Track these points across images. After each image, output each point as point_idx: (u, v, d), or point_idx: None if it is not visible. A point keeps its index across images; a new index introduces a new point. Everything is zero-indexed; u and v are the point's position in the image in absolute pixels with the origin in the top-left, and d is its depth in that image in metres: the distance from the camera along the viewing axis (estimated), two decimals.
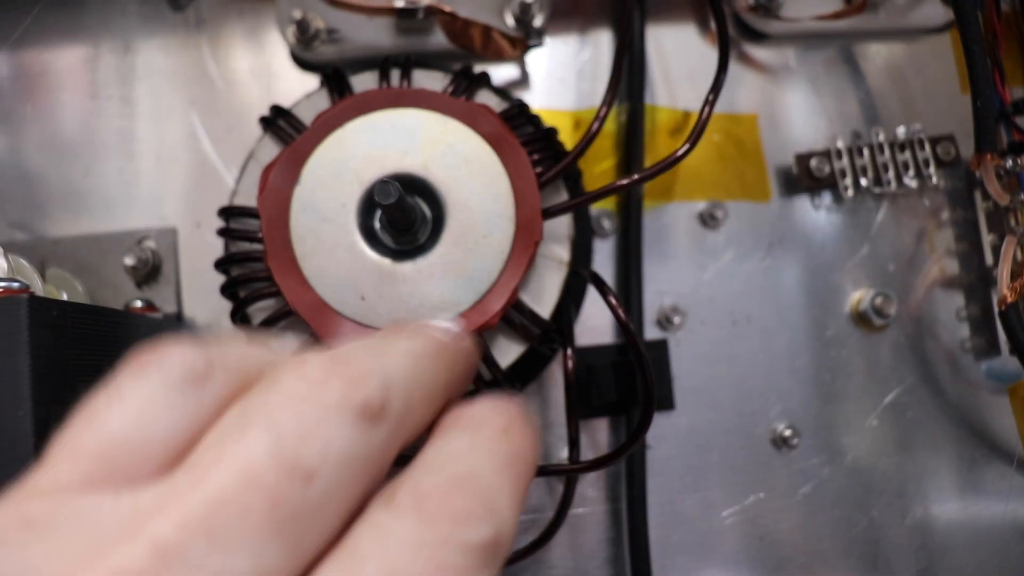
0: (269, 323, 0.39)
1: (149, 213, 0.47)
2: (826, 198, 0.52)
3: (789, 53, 0.53)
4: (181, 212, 0.47)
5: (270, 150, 0.41)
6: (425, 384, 0.23)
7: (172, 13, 0.49)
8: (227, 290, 0.40)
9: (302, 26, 0.45)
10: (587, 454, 0.47)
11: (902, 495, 0.50)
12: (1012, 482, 0.51)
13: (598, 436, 0.48)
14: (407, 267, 0.38)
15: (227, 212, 0.40)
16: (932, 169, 0.51)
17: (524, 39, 0.47)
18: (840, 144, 0.51)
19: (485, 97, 0.42)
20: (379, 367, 0.21)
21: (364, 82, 0.42)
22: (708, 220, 0.50)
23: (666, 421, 0.48)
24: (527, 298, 0.40)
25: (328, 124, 0.39)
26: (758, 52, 0.53)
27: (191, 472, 0.18)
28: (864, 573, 0.49)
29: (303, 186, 0.38)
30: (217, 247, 0.43)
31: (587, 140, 0.40)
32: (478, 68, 0.44)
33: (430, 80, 0.42)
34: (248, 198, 0.40)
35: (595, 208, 0.49)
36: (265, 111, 0.42)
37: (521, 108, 0.42)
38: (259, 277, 0.39)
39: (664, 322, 0.49)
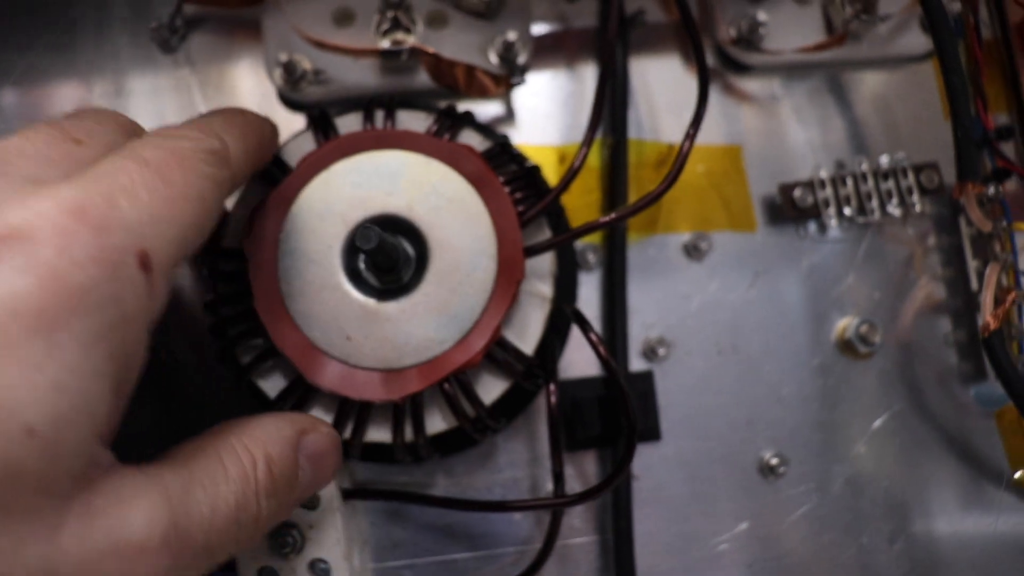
0: (256, 363, 0.39)
1: None
2: (811, 227, 0.52)
3: (773, 84, 0.54)
4: None
5: (256, 191, 0.41)
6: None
7: (162, 55, 0.50)
8: (215, 331, 0.40)
9: (289, 68, 0.46)
10: (575, 486, 0.48)
11: (891, 520, 0.50)
12: (1001, 505, 0.51)
13: (586, 467, 0.48)
14: (392, 307, 0.38)
15: (214, 254, 0.41)
16: (916, 197, 0.51)
17: (507, 77, 0.48)
18: (824, 174, 0.51)
19: (468, 136, 0.43)
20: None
21: (349, 123, 0.43)
22: (693, 251, 0.50)
23: (653, 451, 0.49)
24: (510, 335, 0.40)
25: (314, 166, 0.40)
26: (742, 83, 0.53)
27: None
28: None
29: (289, 228, 0.39)
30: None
31: (568, 178, 0.41)
32: (462, 107, 0.44)
33: (414, 119, 0.43)
34: (235, 240, 0.41)
35: (580, 242, 0.49)
36: None
37: (503, 147, 0.43)
38: (246, 318, 0.39)
39: (650, 353, 0.49)
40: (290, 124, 0.49)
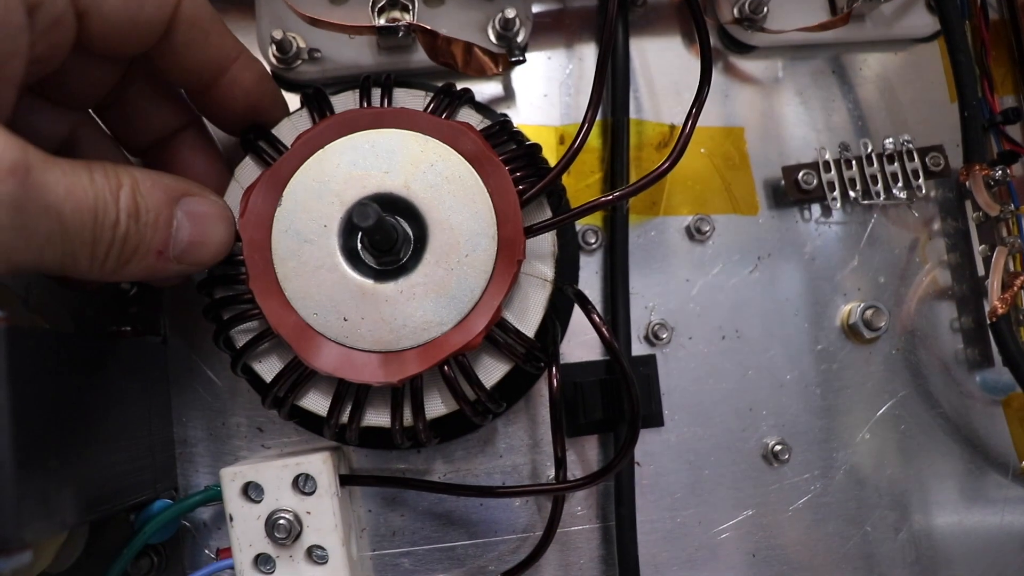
0: (251, 345, 0.39)
1: None
2: (815, 210, 0.51)
3: (776, 65, 0.53)
4: None
5: (251, 171, 0.40)
6: None
7: None
8: (210, 312, 0.40)
9: (283, 46, 0.45)
10: (576, 472, 0.47)
11: (895, 508, 0.50)
12: (1008, 493, 0.51)
13: (587, 453, 0.47)
14: (389, 287, 0.37)
15: None
16: (921, 180, 0.51)
17: (507, 55, 0.47)
18: (828, 156, 0.51)
19: (467, 115, 0.42)
20: None
21: (345, 102, 0.42)
22: (695, 234, 0.50)
23: (656, 437, 0.48)
24: (511, 316, 0.39)
25: (309, 145, 0.39)
26: (745, 64, 0.53)
27: None
28: None
29: (284, 208, 0.38)
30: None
31: (569, 157, 0.40)
32: (461, 85, 0.44)
33: (412, 98, 0.42)
34: None
35: (581, 223, 0.49)
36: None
37: (503, 125, 0.42)
38: (241, 299, 0.39)
39: (652, 337, 0.49)
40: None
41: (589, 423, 0.46)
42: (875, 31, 0.52)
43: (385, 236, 0.36)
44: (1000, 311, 0.46)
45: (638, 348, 0.49)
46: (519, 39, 0.47)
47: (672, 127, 0.51)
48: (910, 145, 0.51)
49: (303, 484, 0.39)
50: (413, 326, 0.37)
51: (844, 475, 0.49)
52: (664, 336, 0.49)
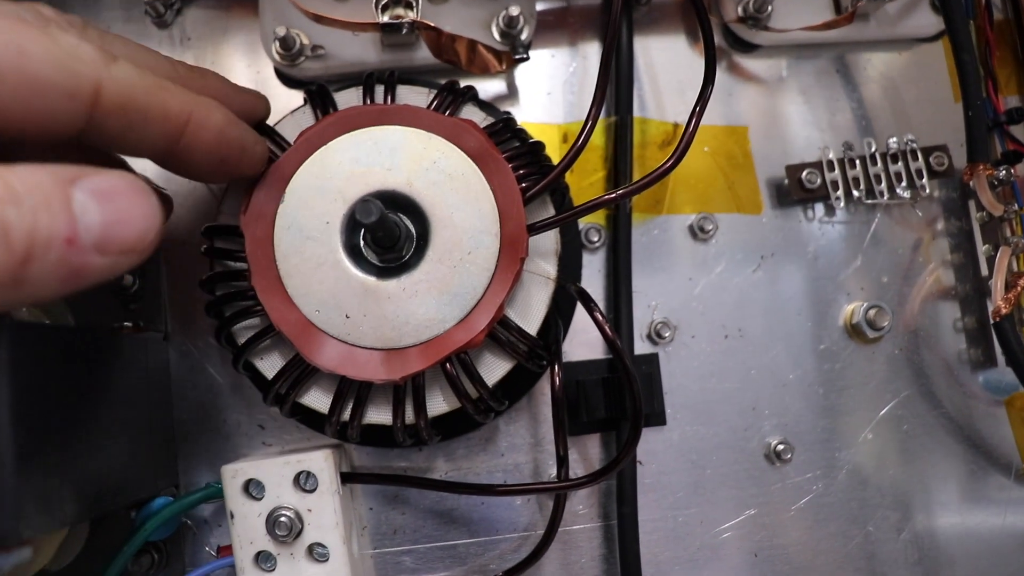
0: (254, 342, 0.38)
1: None
2: (818, 210, 0.51)
3: (780, 64, 0.53)
4: (166, 230, 0.46)
5: None
6: None
7: (157, 31, 0.49)
8: (212, 309, 0.40)
9: (286, 43, 0.45)
10: (578, 471, 0.47)
11: (898, 508, 0.49)
12: (1010, 494, 0.51)
13: (589, 452, 0.47)
14: (392, 284, 0.37)
15: (211, 231, 0.40)
16: (925, 180, 0.51)
17: (510, 53, 0.47)
18: (832, 155, 0.50)
19: (470, 112, 0.42)
20: None
21: (348, 98, 0.42)
22: (699, 232, 0.50)
23: (658, 436, 0.48)
24: (513, 314, 0.39)
25: (311, 142, 0.39)
26: (748, 63, 0.53)
27: None
28: None
29: (287, 204, 0.38)
30: (203, 266, 0.42)
31: (572, 154, 0.40)
32: (464, 82, 0.43)
33: (415, 96, 0.42)
34: (232, 217, 0.40)
35: (584, 221, 0.49)
36: None
37: (506, 122, 0.42)
38: (244, 296, 0.39)
39: (655, 336, 0.48)
40: (288, 102, 0.48)
41: (591, 422, 0.46)
42: (879, 31, 0.52)
43: (388, 233, 0.36)
44: (1003, 311, 0.46)
45: (641, 347, 0.49)
46: (523, 37, 0.47)
47: (676, 126, 0.51)
48: (914, 145, 0.51)
49: (304, 481, 0.39)
50: (415, 323, 0.37)
51: (846, 475, 0.49)
52: (667, 335, 0.48)
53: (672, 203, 0.50)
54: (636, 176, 0.49)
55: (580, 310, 0.47)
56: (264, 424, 0.46)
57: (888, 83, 0.53)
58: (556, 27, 0.51)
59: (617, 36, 0.49)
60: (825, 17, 0.51)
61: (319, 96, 0.41)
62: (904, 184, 0.51)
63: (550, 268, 0.40)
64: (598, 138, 0.50)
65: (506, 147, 0.41)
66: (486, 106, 0.44)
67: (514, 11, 0.46)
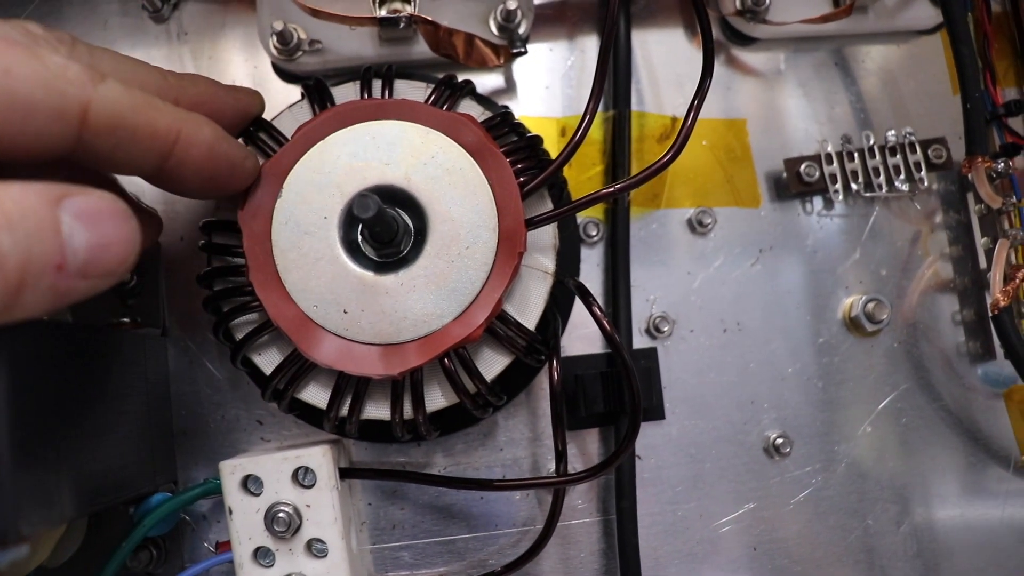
0: (251, 337, 0.38)
1: None
2: (817, 203, 0.51)
3: (778, 57, 0.53)
4: (164, 227, 0.46)
5: None
6: None
7: (154, 25, 0.49)
8: (209, 304, 0.39)
9: (283, 37, 0.45)
10: (577, 465, 0.47)
11: (897, 501, 0.49)
12: (1009, 486, 0.51)
13: (588, 447, 0.47)
14: (389, 279, 0.37)
15: (209, 226, 0.40)
16: (923, 172, 0.51)
17: (508, 47, 0.47)
18: (830, 148, 0.50)
19: (468, 106, 0.42)
20: None
21: (346, 93, 0.42)
22: (697, 226, 0.50)
23: (657, 431, 0.48)
24: (512, 309, 0.39)
25: (309, 136, 0.39)
26: (747, 56, 0.52)
27: None
28: None
29: (284, 199, 0.38)
30: (201, 262, 0.42)
31: (570, 149, 0.39)
32: (462, 77, 0.43)
33: (413, 90, 0.42)
34: (230, 212, 0.39)
35: (582, 215, 0.49)
36: None
37: (504, 117, 0.42)
38: (242, 291, 0.38)
39: (653, 330, 0.48)
40: (286, 97, 0.48)
41: (590, 416, 0.46)
42: (877, 23, 0.52)
43: (385, 228, 0.36)
44: (1002, 304, 0.46)
45: (639, 341, 0.48)
46: (521, 31, 0.47)
47: (674, 119, 0.51)
48: (912, 137, 0.51)
49: (303, 477, 0.39)
50: (413, 318, 0.37)
51: (845, 468, 0.49)
52: (665, 329, 0.48)
53: (670, 197, 0.50)
54: (634, 170, 0.49)
55: (578, 304, 0.47)
56: (262, 420, 0.46)
57: (886, 76, 0.53)
58: (554, 21, 0.51)
59: (615, 30, 0.49)
60: (823, 10, 0.51)
61: (316, 91, 0.41)
62: (902, 177, 0.51)
63: (548, 263, 0.40)
64: (596, 132, 0.50)
65: (504, 141, 0.41)
66: (484, 100, 0.44)
67: (512, 5, 0.46)
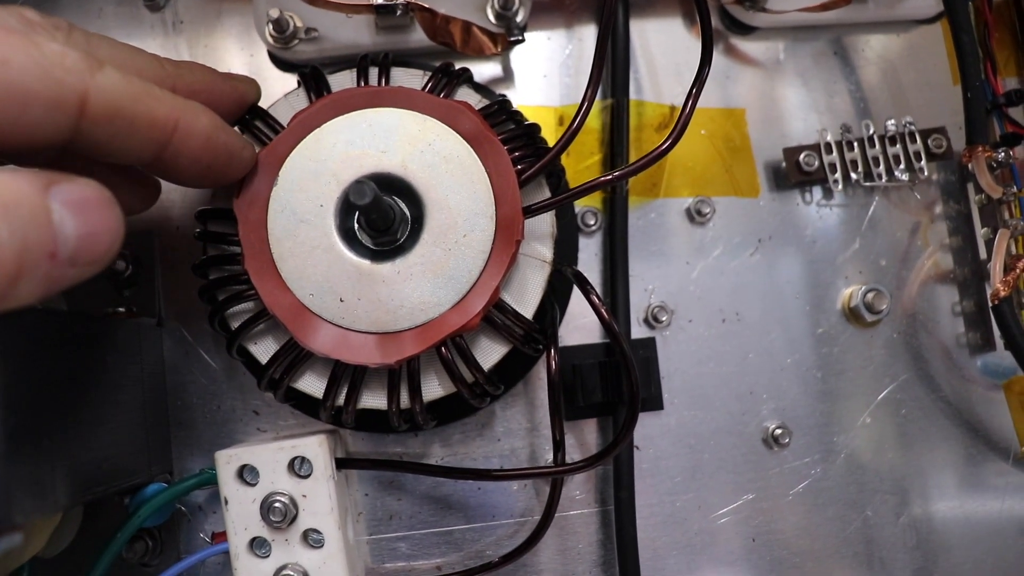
0: (247, 326, 0.38)
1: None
2: (816, 193, 0.51)
3: (777, 46, 0.53)
4: (159, 215, 0.46)
5: None
6: None
7: (150, 14, 0.48)
8: (205, 293, 0.39)
9: (280, 25, 0.45)
10: (575, 456, 0.47)
11: (896, 493, 0.49)
12: (1009, 479, 0.50)
13: (586, 437, 0.47)
14: (386, 268, 0.37)
15: (205, 214, 0.40)
16: (923, 162, 0.50)
17: (506, 35, 0.46)
18: (829, 137, 0.50)
19: (465, 94, 0.42)
20: None
21: (342, 81, 0.41)
22: (696, 216, 0.49)
23: (655, 421, 0.48)
24: (509, 298, 0.39)
25: (305, 124, 0.38)
26: (746, 45, 0.52)
27: None
28: (859, 572, 0.48)
29: (280, 187, 0.38)
30: (197, 252, 0.42)
31: (568, 136, 0.39)
32: (459, 64, 0.43)
33: (410, 78, 0.42)
34: (226, 200, 0.39)
35: (580, 205, 0.48)
36: None
37: (502, 104, 0.41)
38: (237, 280, 0.38)
39: (651, 320, 0.48)
40: (282, 86, 0.48)
41: (588, 406, 0.46)
42: (877, 12, 0.52)
43: (382, 215, 0.36)
44: (1002, 294, 0.46)
45: (637, 331, 0.48)
46: (518, 19, 0.47)
47: (672, 108, 0.51)
48: (912, 127, 0.51)
49: (299, 467, 0.39)
50: (410, 307, 0.37)
51: (845, 459, 0.49)
52: (664, 319, 0.48)
53: (669, 186, 0.50)
54: (633, 159, 0.49)
55: (576, 295, 0.47)
56: (259, 410, 0.46)
57: (886, 65, 0.53)
58: (552, 9, 0.51)
59: (613, 18, 0.49)
60: None
61: (313, 78, 0.41)
62: (902, 167, 0.50)
63: (546, 251, 0.40)
64: (594, 121, 0.50)
65: (501, 129, 0.40)
66: (481, 88, 0.44)
67: None
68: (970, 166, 0.49)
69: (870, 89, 0.53)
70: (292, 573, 0.38)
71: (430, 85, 0.41)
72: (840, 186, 0.50)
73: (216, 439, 0.45)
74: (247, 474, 0.38)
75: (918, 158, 0.50)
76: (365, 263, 0.37)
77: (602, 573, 0.46)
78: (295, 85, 0.42)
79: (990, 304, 0.47)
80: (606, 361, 0.45)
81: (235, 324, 0.39)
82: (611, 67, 0.49)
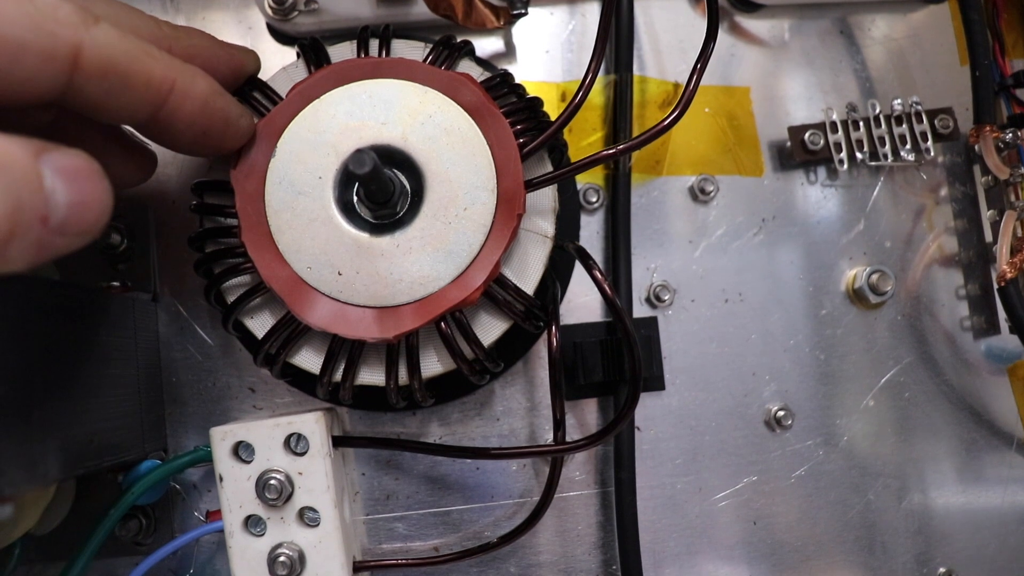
0: (243, 300, 0.37)
1: None
2: (821, 173, 0.50)
3: (783, 25, 0.52)
4: (155, 188, 0.45)
5: None
6: None
7: None
8: (201, 267, 0.39)
9: None
10: (575, 436, 0.46)
11: (899, 477, 0.49)
12: (1012, 464, 0.50)
13: (587, 417, 0.47)
14: (385, 241, 0.36)
15: (201, 187, 0.39)
16: (930, 143, 0.50)
17: (508, 8, 0.45)
18: (835, 117, 0.49)
19: (467, 67, 0.41)
20: None
21: (342, 52, 0.41)
22: (699, 194, 0.49)
23: (657, 402, 0.47)
24: (510, 273, 0.38)
25: (304, 95, 0.38)
26: (751, 23, 0.52)
27: None
28: (860, 557, 0.48)
29: (278, 159, 0.37)
30: (193, 226, 0.41)
31: (571, 110, 0.39)
32: (461, 38, 0.42)
33: (411, 50, 0.41)
34: (223, 172, 0.39)
35: (582, 182, 0.48)
36: None
37: (504, 77, 0.41)
38: (234, 253, 0.38)
39: (654, 300, 0.48)
40: (281, 59, 0.47)
41: (589, 385, 0.45)
42: None
43: (381, 187, 0.35)
44: (1009, 275, 0.45)
45: (639, 310, 0.48)
46: None
47: (676, 85, 0.50)
48: (919, 107, 0.50)
49: (295, 444, 0.38)
50: (409, 281, 0.36)
51: (847, 443, 0.49)
52: (666, 298, 0.48)
53: (672, 164, 0.49)
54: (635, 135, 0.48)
55: (578, 273, 0.46)
56: (255, 387, 0.45)
57: (892, 45, 0.52)
58: None
59: None
60: None
61: (312, 49, 0.40)
62: (908, 147, 0.50)
63: (548, 226, 0.39)
64: (597, 98, 0.49)
65: (503, 102, 0.40)
66: (483, 63, 0.43)
67: None
68: (977, 146, 0.48)
69: (876, 69, 0.52)
70: (287, 552, 0.37)
71: (431, 57, 0.40)
72: (845, 165, 0.49)
73: (211, 417, 0.45)
74: (242, 451, 0.38)
75: (924, 139, 0.50)
76: (364, 236, 0.36)
77: (601, 555, 0.46)
78: (294, 59, 0.41)
79: (996, 286, 0.46)
80: (607, 340, 0.45)
81: (231, 298, 0.38)
82: (615, 43, 0.48)
